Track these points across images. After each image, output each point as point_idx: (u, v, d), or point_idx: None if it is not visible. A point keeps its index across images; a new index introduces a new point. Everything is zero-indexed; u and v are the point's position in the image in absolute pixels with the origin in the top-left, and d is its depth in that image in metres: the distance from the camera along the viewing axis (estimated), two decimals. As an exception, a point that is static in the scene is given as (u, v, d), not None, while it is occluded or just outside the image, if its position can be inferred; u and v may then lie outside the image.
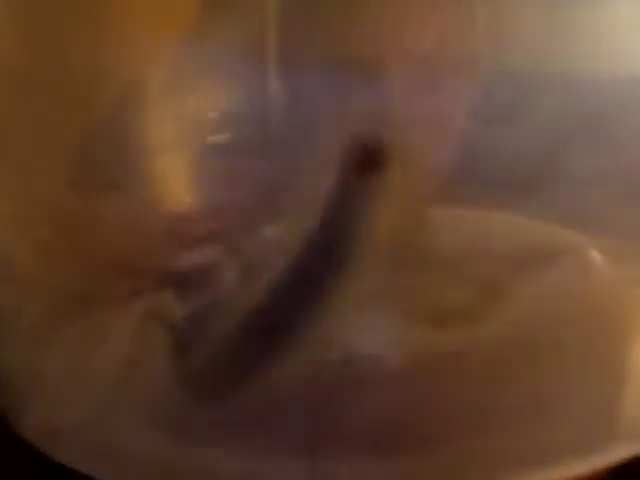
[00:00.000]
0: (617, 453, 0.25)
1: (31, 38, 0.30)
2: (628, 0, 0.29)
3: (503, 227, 0.29)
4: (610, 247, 0.29)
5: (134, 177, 0.30)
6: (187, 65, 0.30)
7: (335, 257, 0.26)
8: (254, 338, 0.27)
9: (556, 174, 0.29)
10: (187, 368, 0.27)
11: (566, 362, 0.26)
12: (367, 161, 0.25)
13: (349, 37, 0.29)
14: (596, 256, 0.29)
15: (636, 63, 0.30)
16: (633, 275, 0.28)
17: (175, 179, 0.31)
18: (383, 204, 0.26)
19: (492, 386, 0.25)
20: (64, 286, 0.31)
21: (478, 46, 0.29)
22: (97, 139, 0.30)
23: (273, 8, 0.29)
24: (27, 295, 0.31)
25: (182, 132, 0.31)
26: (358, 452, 0.25)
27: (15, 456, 0.31)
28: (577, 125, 0.29)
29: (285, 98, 0.29)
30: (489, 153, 0.29)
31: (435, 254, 0.26)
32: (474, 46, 0.29)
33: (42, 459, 0.30)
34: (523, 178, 0.28)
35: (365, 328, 0.26)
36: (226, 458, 0.26)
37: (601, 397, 0.26)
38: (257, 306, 0.27)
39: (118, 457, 0.28)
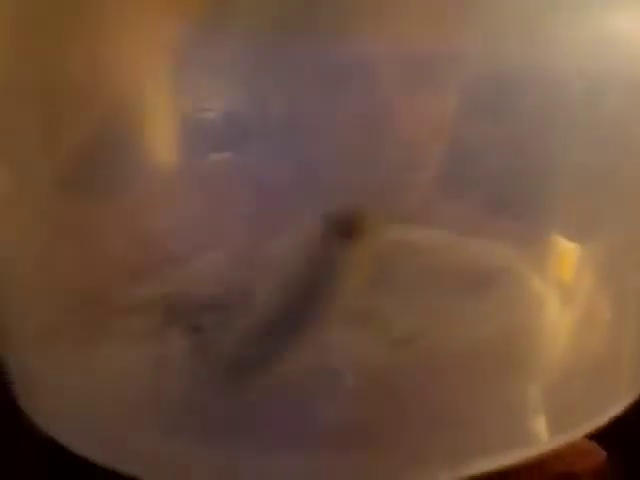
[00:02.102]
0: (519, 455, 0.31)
1: (29, 41, 0.31)
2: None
3: (451, 250, 0.35)
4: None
5: (132, 180, 0.32)
6: (187, 65, 0.31)
7: (315, 296, 0.32)
8: (258, 348, 0.32)
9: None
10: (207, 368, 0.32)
11: (483, 379, 0.32)
12: (345, 229, 0.31)
13: (339, 38, 0.30)
14: (530, 277, 0.34)
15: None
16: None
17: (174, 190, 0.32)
18: (354, 255, 0.32)
19: (426, 397, 0.31)
20: (65, 290, 0.33)
21: (467, 47, 0.31)
22: (95, 142, 0.32)
23: (271, 9, 0.30)
24: (31, 298, 0.34)
25: (182, 134, 0.32)
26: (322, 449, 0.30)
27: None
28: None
29: (284, 103, 0.31)
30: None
31: (391, 284, 0.33)
32: (463, 47, 0.31)
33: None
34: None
35: (334, 347, 0.32)
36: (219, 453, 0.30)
37: (509, 406, 0.32)
38: (260, 325, 0.33)
39: (121, 447, 0.31)
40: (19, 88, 0.32)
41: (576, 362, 0.33)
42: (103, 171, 0.32)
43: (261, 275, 0.33)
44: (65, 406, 0.33)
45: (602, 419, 0.32)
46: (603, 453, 0.61)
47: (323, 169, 0.32)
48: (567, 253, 0.33)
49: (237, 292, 0.33)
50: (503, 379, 0.31)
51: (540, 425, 0.32)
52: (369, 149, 0.32)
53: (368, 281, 0.32)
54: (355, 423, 0.30)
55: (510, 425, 0.31)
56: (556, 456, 0.61)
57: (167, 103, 0.32)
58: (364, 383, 0.31)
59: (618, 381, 0.34)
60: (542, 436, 0.32)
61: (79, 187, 0.33)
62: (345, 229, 0.31)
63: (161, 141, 0.32)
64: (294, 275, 0.32)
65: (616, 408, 0.32)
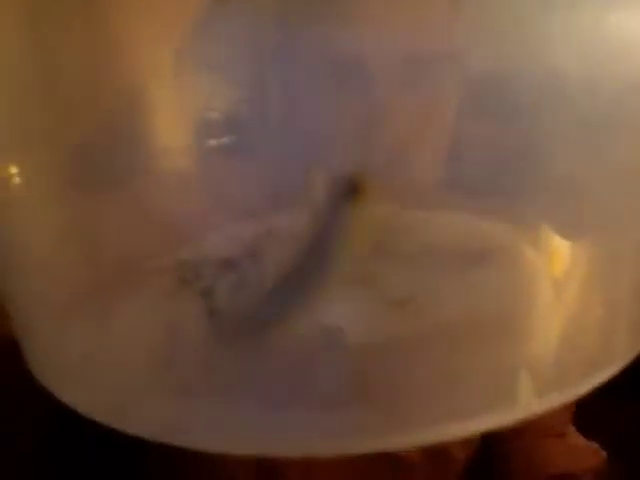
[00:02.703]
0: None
1: (32, 39, 0.32)
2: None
3: (450, 227, 0.37)
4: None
5: (135, 175, 0.33)
6: (188, 65, 0.32)
7: (321, 258, 0.33)
8: (267, 308, 0.34)
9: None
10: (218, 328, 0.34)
11: (473, 344, 0.33)
12: (348, 191, 0.33)
13: (341, 36, 0.31)
14: (528, 252, 0.36)
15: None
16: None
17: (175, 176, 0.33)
18: (356, 220, 0.33)
19: (417, 360, 0.32)
20: (85, 260, 0.35)
21: (463, 44, 0.31)
22: (98, 138, 0.33)
23: (271, 8, 0.31)
24: (53, 271, 0.35)
25: (183, 132, 0.33)
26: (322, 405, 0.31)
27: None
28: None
29: (284, 98, 0.32)
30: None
31: (391, 254, 0.34)
32: (459, 44, 0.31)
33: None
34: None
35: (337, 309, 0.33)
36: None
37: (497, 371, 0.32)
38: (269, 287, 0.34)
39: (132, 409, 0.32)
40: (25, 85, 0.32)
41: (565, 331, 0.34)
42: (115, 160, 0.33)
43: (270, 240, 0.35)
44: (81, 372, 0.34)
45: (588, 386, 0.32)
46: (603, 453, 0.61)
47: (322, 154, 0.33)
48: (560, 248, 0.34)
49: (248, 256, 0.34)
50: (492, 345, 0.32)
51: (527, 389, 0.33)
52: (366, 141, 0.33)
53: (369, 251, 0.33)
54: (350, 383, 0.31)
55: (498, 388, 0.32)
56: (556, 456, 0.62)
57: (172, 96, 0.32)
58: (359, 346, 0.32)
59: (605, 350, 0.34)
60: (529, 400, 0.32)
61: (93, 176, 0.34)
62: (348, 187, 0.32)
63: (166, 132, 0.33)
64: (301, 240, 0.33)
65: (602, 376, 0.33)
